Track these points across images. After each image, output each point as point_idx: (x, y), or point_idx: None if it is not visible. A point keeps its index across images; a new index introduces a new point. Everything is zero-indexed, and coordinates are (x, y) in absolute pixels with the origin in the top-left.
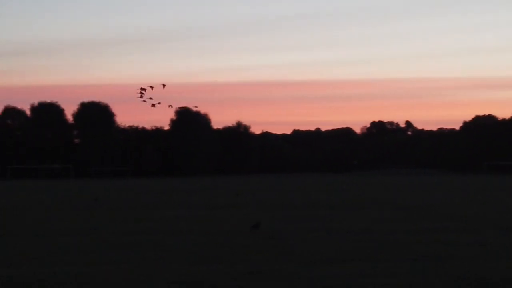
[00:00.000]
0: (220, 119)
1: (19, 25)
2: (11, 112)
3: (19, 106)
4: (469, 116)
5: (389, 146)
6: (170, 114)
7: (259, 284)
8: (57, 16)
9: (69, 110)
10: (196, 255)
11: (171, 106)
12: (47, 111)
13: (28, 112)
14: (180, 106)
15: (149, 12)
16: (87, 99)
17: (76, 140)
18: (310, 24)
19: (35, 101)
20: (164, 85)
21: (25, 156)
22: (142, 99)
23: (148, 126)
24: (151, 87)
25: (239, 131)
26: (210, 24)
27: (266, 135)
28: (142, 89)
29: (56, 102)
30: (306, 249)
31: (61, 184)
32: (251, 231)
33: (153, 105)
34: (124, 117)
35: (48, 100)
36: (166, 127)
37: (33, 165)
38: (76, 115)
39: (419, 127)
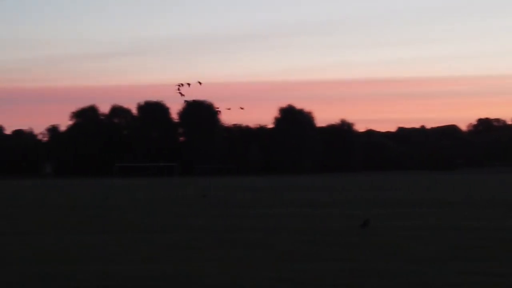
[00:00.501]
0: (324, 117)
1: (124, 25)
2: (118, 111)
3: (126, 105)
4: None
5: (496, 143)
6: (274, 112)
7: (364, 282)
8: (160, 15)
9: (174, 109)
10: (299, 253)
11: (218, 108)
12: (153, 110)
13: (134, 111)
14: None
15: (251, 11)
16: (194, 98)
17: (181, 138)
18: (414, 21)
19: (141, 100)
20: (200, 82)
21: (131, 155)
22: (182, 96)
23: (252, 124)
24: (188, 84)
25: (342, 129)
26: (313, 21)
27: (370, 132)
28: (179, 84)
29: (162, 101)
30: (413, 247)
31: (167, 182)
32: (359, 229)
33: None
34: (228, 115)
35: (154, 99)
36: (270, 125)
37: (139, 163)
38: (181, 114)
39: None
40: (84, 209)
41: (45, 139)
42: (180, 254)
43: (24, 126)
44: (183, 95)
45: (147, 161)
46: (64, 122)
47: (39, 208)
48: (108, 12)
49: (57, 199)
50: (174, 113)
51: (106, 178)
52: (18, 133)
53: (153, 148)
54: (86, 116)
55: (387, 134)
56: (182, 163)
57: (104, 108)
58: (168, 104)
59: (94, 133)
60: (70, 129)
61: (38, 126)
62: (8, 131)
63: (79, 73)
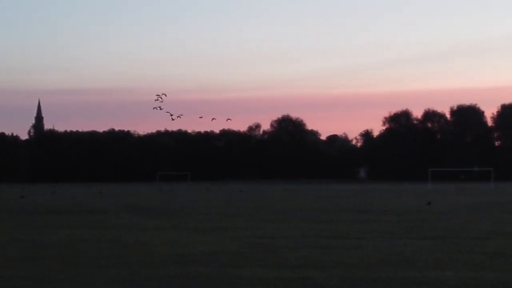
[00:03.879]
0: None
1: (441, 26)
2: (431, 115)
3: (439, 109)
4: None
5: None
6: None
7: None
8: (476, 16)
9: (488, 113)
10: None
11: (169, 113)
12: (466, 114)
13: (448, 115)
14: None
15: None
16: (507, 101)
17: (496, 142)
18: None
19: (455, 104)
20: (165, 94)
21: (445, 159)
22: (158, 107)
23: None
24: (165, 95)
25: None
26: None
27: None
28: (157, 96)
29: (476, 104)
30: None
31: (484, 187)
32: None
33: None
34: None
35: (467, 103)
36: None
37: (452, 168)
38: (496, 118)
39: None
40: (407, 214)
41: (359, 144)
42: (498, 262)
43: (338, 131)
44: (162, 108)
45: (460, 165)
46: (378, 127)
47: (358, 212)
48: (412, 18)
49: (374, 204)
50: (489, 117)
51: (421, 183)
52: (332, 138)
53: (467, 153)
54: (399, 121)
55: None
56: (498, 167)
57: (417, 112)
58: (482, 107)
59: (407, 138)
60: (383, 134)
61: (352, 131)
62: (323, 136)
63: (392, 78)
